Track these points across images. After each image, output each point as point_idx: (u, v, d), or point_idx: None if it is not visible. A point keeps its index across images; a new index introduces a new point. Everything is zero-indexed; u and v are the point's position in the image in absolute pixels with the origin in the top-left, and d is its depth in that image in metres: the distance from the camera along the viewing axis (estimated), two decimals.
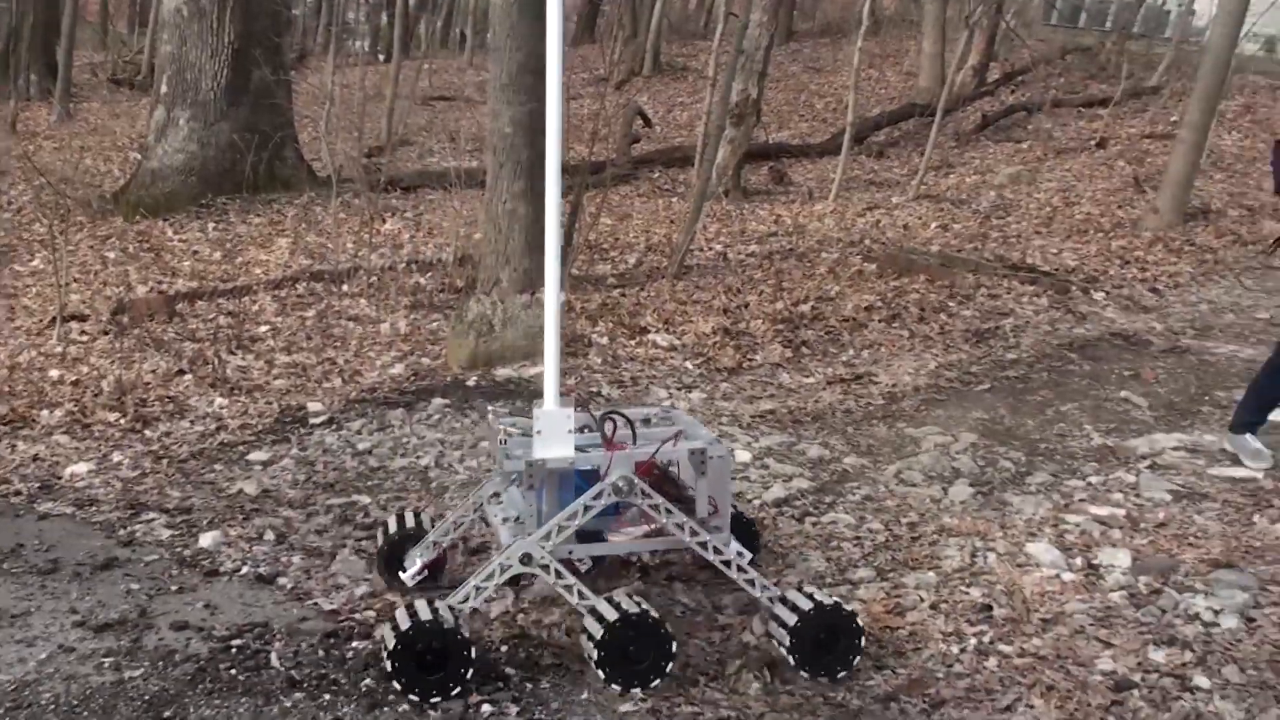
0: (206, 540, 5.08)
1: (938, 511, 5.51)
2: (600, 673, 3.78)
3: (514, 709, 3.70)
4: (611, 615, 3.77)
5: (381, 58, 26.70)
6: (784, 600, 4.02)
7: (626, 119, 16.76)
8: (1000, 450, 6.49)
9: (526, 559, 3.91)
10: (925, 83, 19.90)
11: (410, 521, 4.63)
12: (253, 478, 5.89)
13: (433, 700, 3.68)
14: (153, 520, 5.34)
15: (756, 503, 5.59)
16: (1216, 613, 4.34)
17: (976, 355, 8.38)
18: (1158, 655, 4.04)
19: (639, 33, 24.73)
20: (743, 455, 6.21)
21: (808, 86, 22.17)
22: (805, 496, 5.64)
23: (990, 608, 4.44)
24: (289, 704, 3.73)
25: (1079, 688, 3.83)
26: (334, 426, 6.63)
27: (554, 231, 4.17)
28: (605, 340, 8.20)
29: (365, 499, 5.63)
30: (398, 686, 3.70)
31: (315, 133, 14.87)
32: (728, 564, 4.07)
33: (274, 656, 4.03)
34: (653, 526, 4.19)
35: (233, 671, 3.92)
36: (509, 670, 3.93)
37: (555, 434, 4.02)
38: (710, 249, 11.34)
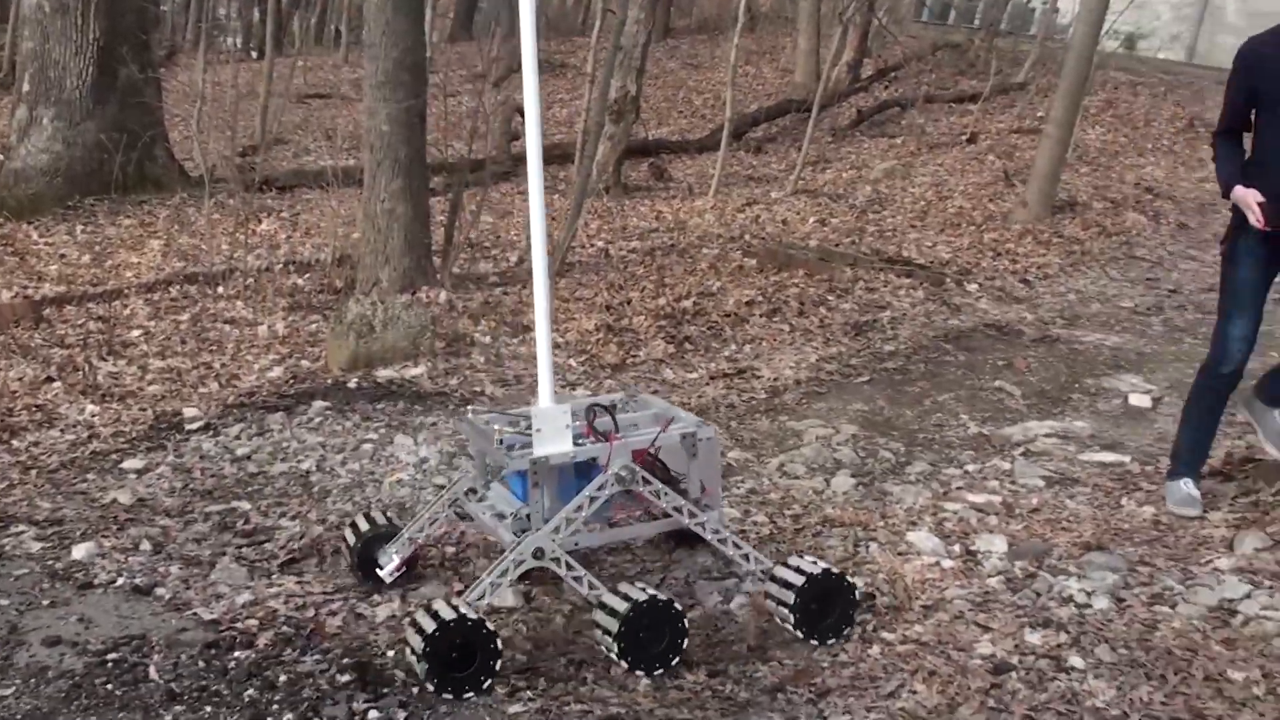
0: (79, 552, 4.94)
1: (820, 503, 5.59)
2: (622, 662, 3.93)
3: (401, 714, 3.67)
4: (623, 606, 3.89)
5: (254, 54, 26.18)
6: (787, 566, 4.24)
7: (505, 116, 16.67)
8: (880, 441, 6.61)
9: (539, 553, 4.05)
10: (801, 79, 20.13)
11: (380, 520, 4.72)
12: (127, 487, 5.74)
13: (466, 696, 3.77)
14: (22, 533, 5.18)
15: None
16: (1089, 594, 4.48)
17: (856, 348, 8.52)
18: (1034, 637, 4.15)
19: (517, 29, 24.63)
20: None
21: (686, 83, 22.28)
22: None
23: (873, 596, 4.52)
24: (169, 718, 3.65)
25: (959, 672, 3.93)
26: (211, 432, 6.50)
27: (539, 223, 4.21)
28: (488, 339, 8.16)
29: (245, 505, 5.53)
30: (430, 686, 3.76)
31: (187, 132, 14.52)
32: (724, 541, 4.32)
33: (152, 669, 3.94)
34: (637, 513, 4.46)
35: (109, 686, 3.82)
36: (396, 674, 3.89)
37: (554, 431, 4.19)
38: (591, 246, 11.35)
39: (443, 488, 5.75)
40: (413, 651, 3.80)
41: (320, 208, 12.16)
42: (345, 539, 4.78)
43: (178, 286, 9.50)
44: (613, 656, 3.95)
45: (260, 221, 11.83)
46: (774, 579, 4.24)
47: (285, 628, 4.26)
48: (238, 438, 6.40)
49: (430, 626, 3.75)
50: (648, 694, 3.84)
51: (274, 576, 4.75)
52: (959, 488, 5.82)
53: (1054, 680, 3.88)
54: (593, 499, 4.15)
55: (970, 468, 6.21)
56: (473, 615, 3.80)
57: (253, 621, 4.32)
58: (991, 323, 9.31)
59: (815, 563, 4.22)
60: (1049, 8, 24.98)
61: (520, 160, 15.66)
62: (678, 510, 4.26)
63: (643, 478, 4.20)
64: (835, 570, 4.23)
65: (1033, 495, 5.70)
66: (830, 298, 9.58)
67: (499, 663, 3.82)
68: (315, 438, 6.39)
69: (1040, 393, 7.73)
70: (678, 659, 3.97)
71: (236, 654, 4.06)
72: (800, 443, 6.55)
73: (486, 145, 14.13)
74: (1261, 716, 3.67)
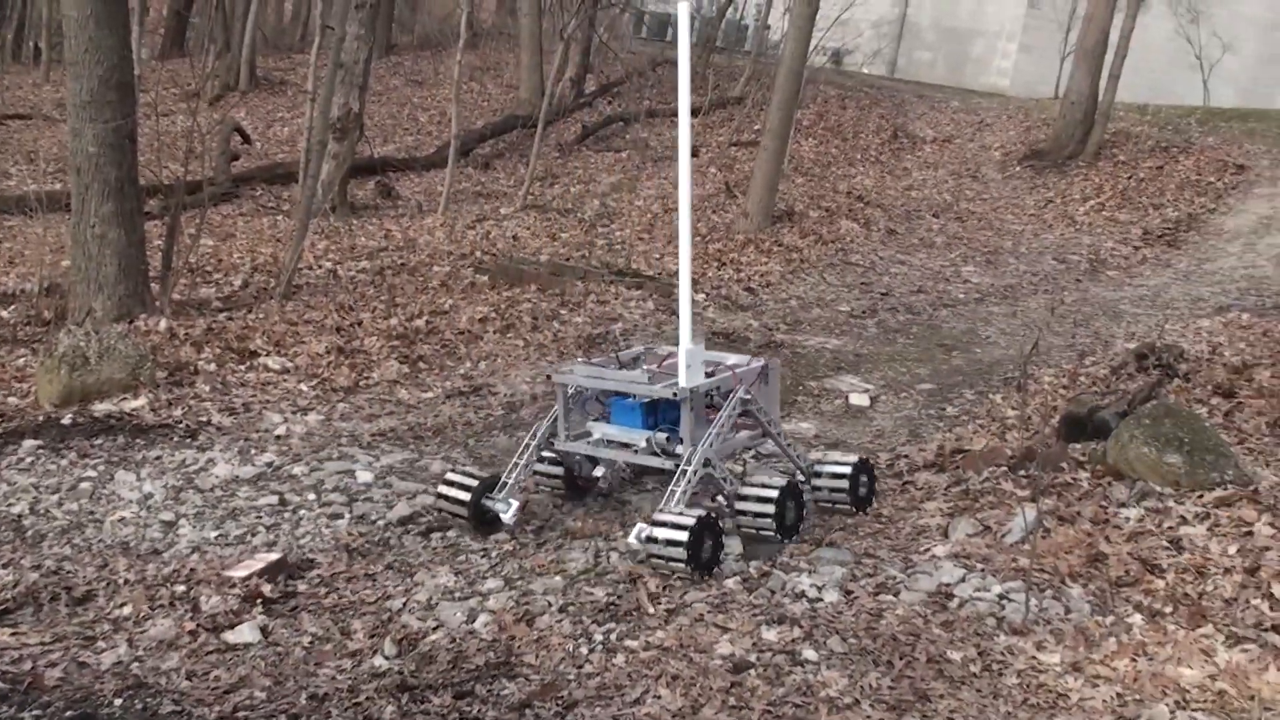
0: None
1: (561, 516, 5.64)
2: (776, 533, 5.10)
3: None
4: (780, 484, 5.17)
5: None
6: (826, 462, 5.75)
7: (223, 136, 16.15)
8: None
9: (708, 462, 5.13)
10: (526, 94, 20.25)
11: (471, 481, 5.41)
12: None
13: (711, 573, 4.84)
14: None
15: (381, 523, 5.53)
16: (819, 588, 4.68)
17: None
18: (770, 634, 4.30)
19: (232, 45, 23.85)
20: (364, 476, 6.13)
21: (411, 100, 22.09)
22: (430, 513, 5.63)
23: (615, 605, 4.59)
24: None
25: (701, 673, 4.03)
26: None
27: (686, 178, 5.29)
28: (213, 367, 7.86)
29: None
30: (689, 569, 4.78)
31: None
32: (789, 445, 5.75)
33: None
34: None
35: None
36: None
37: (695, 366, 5.26)
38: (319, 267, 11.11)
39: (173, 522, 5.53)
40: (673, 544, 4.78)
41: (24, 235, 11.47)
42: (454, 497, 5.41)
43: None
44: (766, 530, 5.10)
45: None
46: (819, 474, 5.65)
47: (0, 684, 4.00)
48: None
49: (690, 522, 4.78)
50: None
51: None
52: (694, 492, 5.97)
53: (790, 674, 4.03)
54: (729, 416, 5.30)
55: None
56: (709, 514, 4.89)
57: None
58: (719, 330, 9.59)
59: (844, 458, 5.79)
60: (761, 25, 25.94)
61: (242, 181, 15.19)
62: (769, 422, 5.58)
63: (754, 400, 5.40)
64: (863, 458, 5.79)
65: None
66: (563, 312, 9.67)
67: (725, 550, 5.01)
68: (27, 479, 6.02)
69: None
70: (800, 531, 5.25)
71: None
72: None
73: (204, 166, 13.64)
74: (979, 692, 3.91)
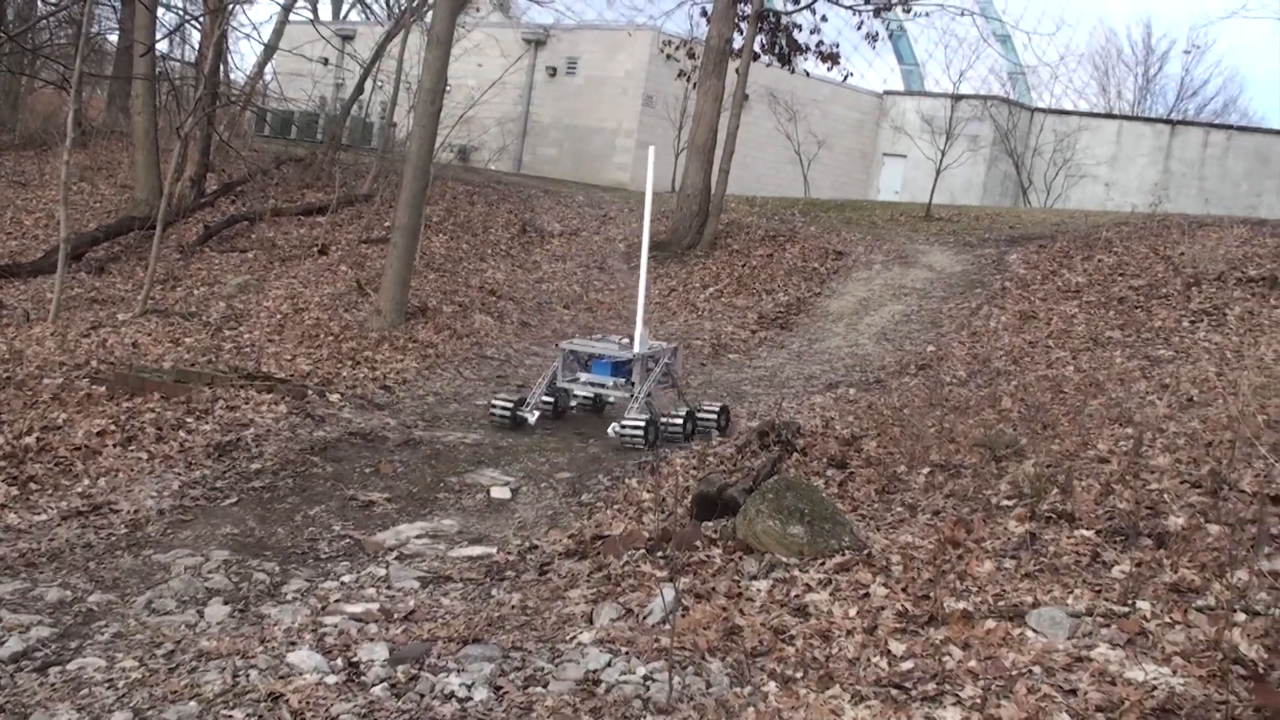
0: None
1: (195, 636, 5.37)
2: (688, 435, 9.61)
3: None
4: (685, 410, 9.92)
5: None
6: (703, 409, 9.84)
7: None
8: (254, 563, 6.47)
9: (649, 396, 9.51)
10: (143, 195, 19.35)
11: (511, 401, 9.84)
12: None
13: (655, 448, 9.07)
14: None
15: None
16: (469, 687, 4.64)
17: (220, 469, 8.29)
18: None
19: None
20: None
21: (14, 202, 20.68)
22: (47, 645, 5.23)
23: None
24: None
25: None
26: None
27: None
28: None
29: None
30: (645, 444, 9.15)
31: None
32: (682, 395, 10.29)
33: None
34: None
35: None
36: None
37: (643, 341, 9.78)
38: None
39: None
40: (635, 434, 9.13)
41: None
42: (502, 411, 9.79)
43: None
44: (679, 437, 9.36)
45: None
46: (703, 413, 9.73)
47: None
48: None
49: (645, 419, 9.15)
50: None
51: None
52: (337, 600, 5.83)
53: None
54: (659, 370, 9.77)
55: (347, 578, 6.24)
56: (653, 416, 9.46)
57: None
58: (356, 431, 9.45)
59: (714, 405, 9.96)
60: (387, 122, 26.00)
61: None
62: (679, 378, 10.38)
63: (671, 364, 10.05)
64: (724, 405, 10.06)
65: (409, 598, 5.84)
66: (190, 420, 9.25)
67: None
68: None
69: (409, 495, 7.95)
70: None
71: None
72: (168, 575, 6.25)
73: None
74: None
